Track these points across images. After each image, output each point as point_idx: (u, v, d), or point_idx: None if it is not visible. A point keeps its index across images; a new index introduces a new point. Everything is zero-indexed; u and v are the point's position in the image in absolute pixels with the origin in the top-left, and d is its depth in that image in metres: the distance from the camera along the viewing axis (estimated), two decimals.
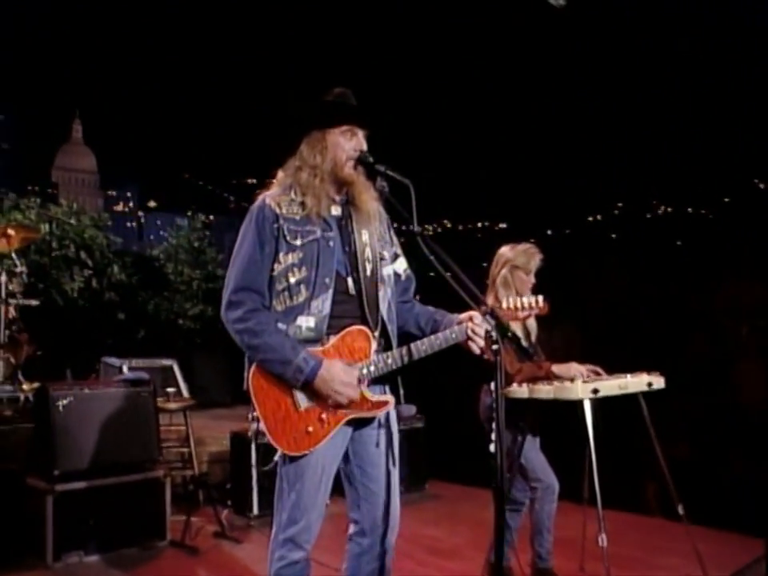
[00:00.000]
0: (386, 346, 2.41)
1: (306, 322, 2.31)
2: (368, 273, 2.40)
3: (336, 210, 2.43)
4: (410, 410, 6.36)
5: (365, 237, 2.43)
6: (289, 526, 2.31)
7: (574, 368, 3.43)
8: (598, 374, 3.52)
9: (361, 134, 2.40)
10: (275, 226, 2.34)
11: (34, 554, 3.90)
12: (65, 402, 4.06)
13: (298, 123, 2.43)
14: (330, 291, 2.32)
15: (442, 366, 3.60)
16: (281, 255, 2.33)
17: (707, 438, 6.14)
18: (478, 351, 2.27)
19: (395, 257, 2.56)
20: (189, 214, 11.39)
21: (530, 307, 2.37)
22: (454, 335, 2.33)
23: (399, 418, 6.11)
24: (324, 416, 2.30)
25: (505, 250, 3.69)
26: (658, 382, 3.47)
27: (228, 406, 8.15)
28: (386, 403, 2.36)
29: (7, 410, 5.09)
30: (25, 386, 5.22)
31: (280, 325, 2.31)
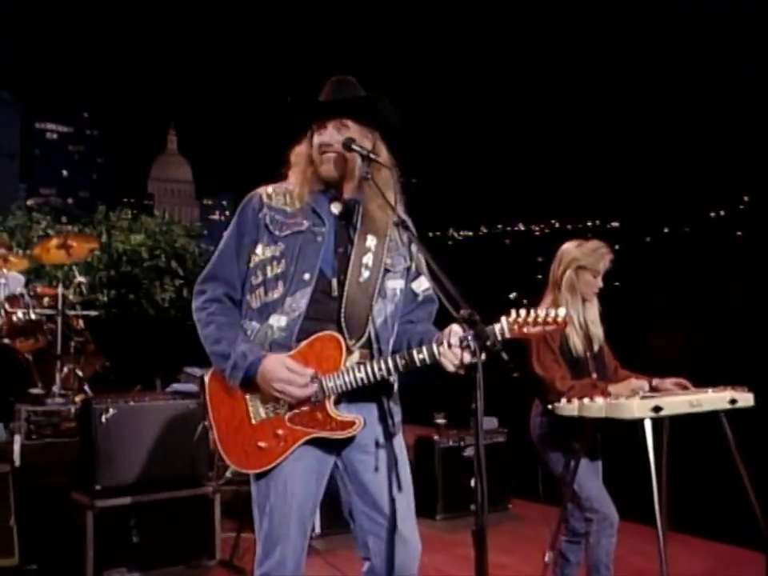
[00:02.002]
0: None
1: (277, 321, 2.22)
2: (361, 279, 2.28)
3: (336, 208, 2.34)
4: (491, 422, 6.20)
5: (370, 242, 2.31)
6: (263, 560, 2.23)
7: (633, 385, 3.19)
8: (685, 387, 3.27)
9: (332, 124, 2.30)
10: (259, 215, 2.30)
11: (75, 570, 3.99)
12: (108, 414, 4.14)
13: (287, 130, 2.41)
14: (309, 289, 2.22)
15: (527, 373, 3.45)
16: (259, 246, 2.28)
17: None
18: (452, 369, 2.07)
19: (415, 275, 2.41)
20: None
21: (545, 323, 2.07)
22: (421, 356, 2.14)
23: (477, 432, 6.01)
24: (280, 432, 2.20)
25: (570, 248, 3.42)
26: (745, 399, 3.18)
27: None
28: (352, 423, 2.21)
29: (64, 422, 5.25)
30: (77, 398, 5.39)
31: (253, 323, 2.25)
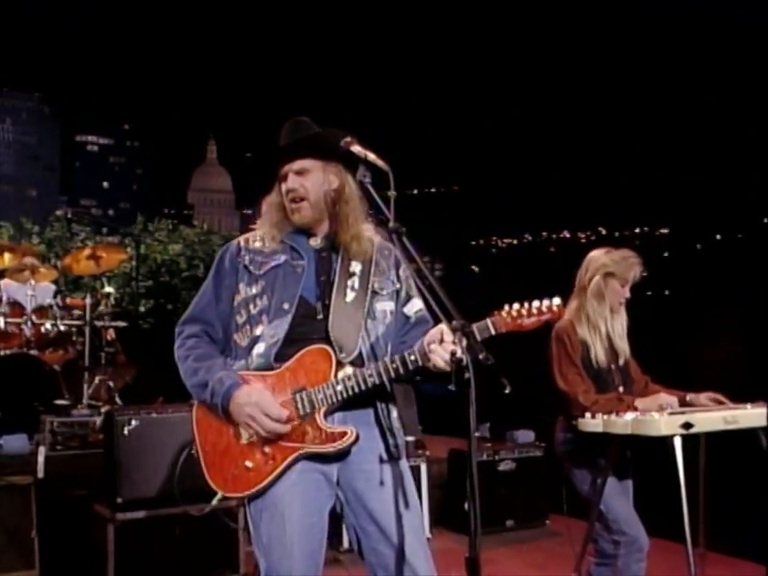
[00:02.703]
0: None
1: (257, 349, 2.24)
2: (348, 299, 2.28)
3: (315, 242, 2.37)
4: (527, 436, 6.12)
5: (354, 268, 2.34)
6: None
7: (662, 400, 3.10)
8: (720, 403, 3.17)
9: (292, 169, 2.33)
10: (237, 259, 2.36)
11: None
12: (130, 426, 4.16)
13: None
14: (289, 316, 2.24)
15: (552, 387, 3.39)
16: (241, 286, 2.33)
17: None
18: (442, 364, 2.04)
19: (405, 300, 2.41)
20: None
21: (539, 312, 2.05)
22: (412, 357, 2.13)
23: (514, 446, 5.91)
24: (267, 450, 2.17)
25: (598, 254, 3.37)
26: None
27: None
28: (343, 435, 2.18)
29: (92, 433, 5.30)
30: (103, 409, 5.44)
31: (241, 361, 2.26)
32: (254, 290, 2.30)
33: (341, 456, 2.21)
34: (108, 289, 6.41)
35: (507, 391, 1.78)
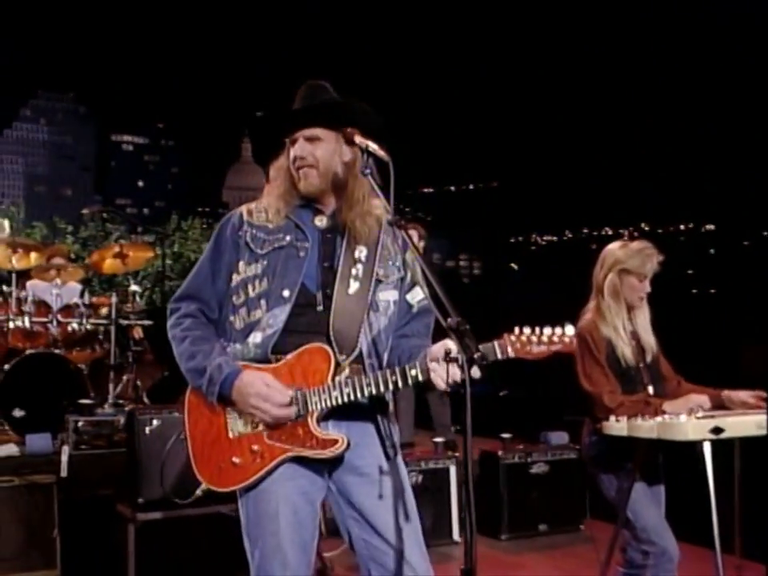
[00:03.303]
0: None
1: (254, 338, 2.20)
2: (351, 291, 2.23)
3: (320, 221, 2.30)
4: (561, 438, 6.05)
5: (359, 254, 2.27)
6: None
7: (693, 402, 2.99)
8: (761, 400, 3.04)
9: (304, 135, 2.25)
10: (239, 233, 2.29)
11: None
12: (152, 426, 4.18)
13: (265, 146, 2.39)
14: (289, 305, 2.19)
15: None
16: (241, 264, 2.26)
17: None
18: (442, 385, 1.99)
19: (410, 286, 2.34)
20: None
21: (550, 341, 1.97)
22: (414, 372, 2.07)
23: (548, 448, 5.85)
24: (256, 448, 2.15)
25: (613, 248, 3.25)
26: None
27: None
28: (335, 442, 2.13)
29: (118, 432, 5.36)
30: (127, 408, 5.48)
31: (237, 345, 2.23)
32: (253, 271, 2.24)
33: (333, 460, 2.19)
34: (134, 287, 6.44)
35: (502, 394, 1.74)
